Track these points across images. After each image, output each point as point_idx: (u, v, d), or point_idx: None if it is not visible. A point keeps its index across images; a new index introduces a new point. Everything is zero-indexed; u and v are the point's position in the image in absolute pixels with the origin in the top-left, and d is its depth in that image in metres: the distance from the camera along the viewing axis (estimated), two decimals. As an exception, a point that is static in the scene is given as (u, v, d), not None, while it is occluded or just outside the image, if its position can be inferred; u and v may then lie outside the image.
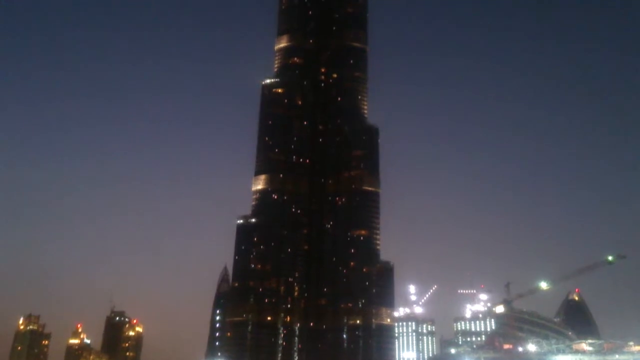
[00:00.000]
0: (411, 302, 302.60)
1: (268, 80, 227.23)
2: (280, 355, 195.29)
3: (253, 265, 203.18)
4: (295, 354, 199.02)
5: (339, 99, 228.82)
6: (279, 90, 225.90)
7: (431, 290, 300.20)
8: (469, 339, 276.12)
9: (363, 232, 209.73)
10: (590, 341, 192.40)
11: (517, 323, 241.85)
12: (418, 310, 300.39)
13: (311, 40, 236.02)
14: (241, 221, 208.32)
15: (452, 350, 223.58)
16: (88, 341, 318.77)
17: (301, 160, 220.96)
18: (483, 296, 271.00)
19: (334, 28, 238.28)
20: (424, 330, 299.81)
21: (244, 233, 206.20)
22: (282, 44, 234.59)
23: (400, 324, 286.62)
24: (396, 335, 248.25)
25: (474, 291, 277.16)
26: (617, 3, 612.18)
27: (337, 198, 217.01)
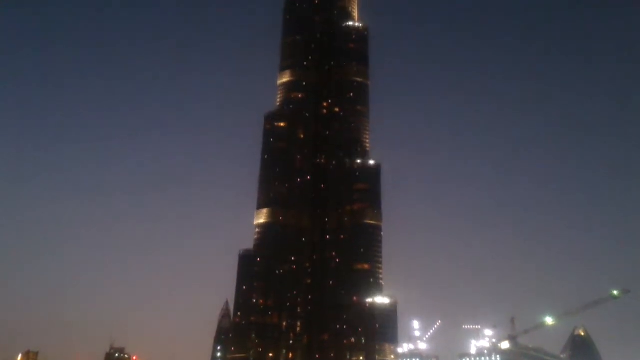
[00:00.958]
0: (415, 338, 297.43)
1: (270, 114, 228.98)
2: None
3: (255, 300, 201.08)
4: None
5: (341, 132, 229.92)
6: (282, 124, 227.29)
7: (435, 326, 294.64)
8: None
9: (366, 266, 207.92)
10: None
11: (523, 359, 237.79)
12: (422, 346, 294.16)
13: (313, 75, 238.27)
14: (243, 255, 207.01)
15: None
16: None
17: (303, 193, 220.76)
18: (488, 332, 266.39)
19: (336, 63, 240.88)
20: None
21: (245, 267, 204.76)
22: (285, 78, 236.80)
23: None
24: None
25: (479, 327, 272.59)
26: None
27: (340, 232, 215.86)
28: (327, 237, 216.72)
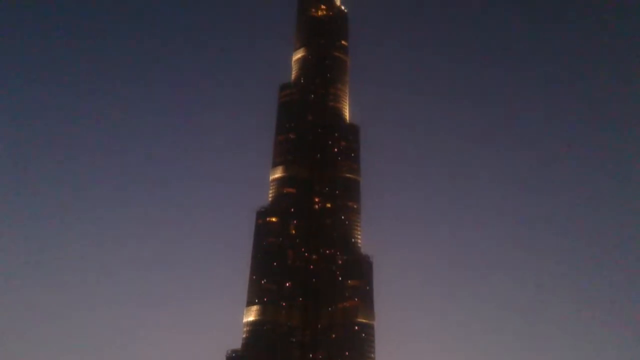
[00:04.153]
0: None
1: (262, 210, 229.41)
2: None
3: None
4: None
5: (332, 228, 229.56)
6: (273, 219, 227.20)
7: None
8: None
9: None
10: None
11: None
12: None
13: (305, 171, 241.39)
14: (230, 355, 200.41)
15: None
16: None
17: (294, 290, 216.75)
18: None
19: (328, 160, 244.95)
20: None
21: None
22: (277, 174, 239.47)
23: None
24: None
25: None
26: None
27: (331, 331, 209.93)
28: (318, 335, 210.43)
